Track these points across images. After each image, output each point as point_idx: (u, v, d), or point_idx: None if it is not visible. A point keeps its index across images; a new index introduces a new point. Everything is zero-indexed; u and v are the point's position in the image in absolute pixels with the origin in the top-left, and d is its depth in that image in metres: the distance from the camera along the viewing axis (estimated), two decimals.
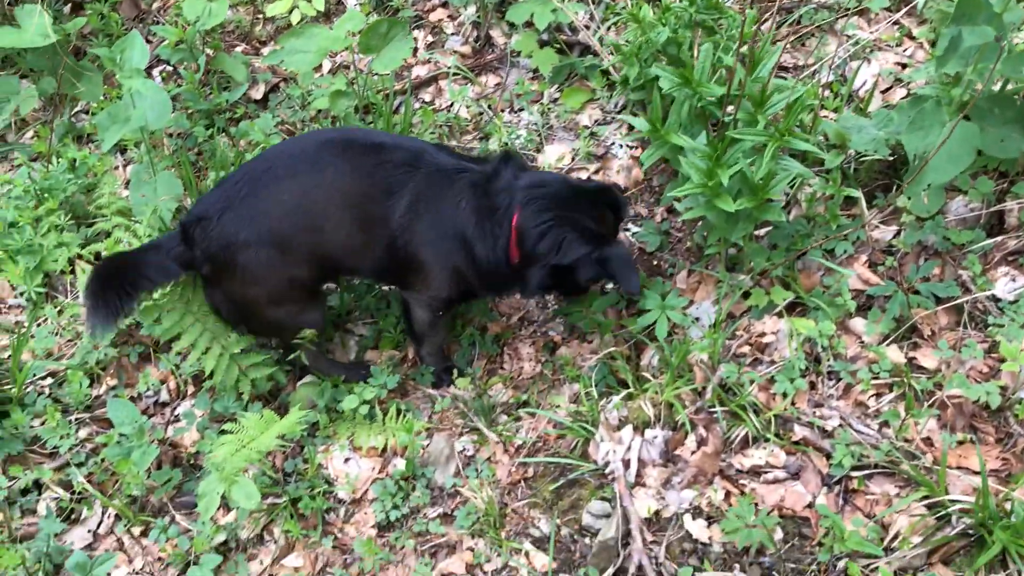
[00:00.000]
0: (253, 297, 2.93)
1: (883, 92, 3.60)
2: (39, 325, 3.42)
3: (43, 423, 3.18)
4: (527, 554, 2.76)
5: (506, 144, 3.80)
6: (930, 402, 2.77)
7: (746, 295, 3.09)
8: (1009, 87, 2.93)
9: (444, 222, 2.91)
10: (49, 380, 3.34)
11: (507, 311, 3.53)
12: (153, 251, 2.94)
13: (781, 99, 2.84)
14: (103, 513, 3.02)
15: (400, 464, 3.01)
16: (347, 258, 3.03)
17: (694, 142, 2.88)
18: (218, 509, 2.77)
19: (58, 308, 3.50)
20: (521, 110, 4.09)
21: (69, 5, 4.80)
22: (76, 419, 3.25)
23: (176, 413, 3.30)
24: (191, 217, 2.92)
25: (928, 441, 2.73)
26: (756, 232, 3.19)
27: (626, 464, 2.85)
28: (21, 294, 3.60)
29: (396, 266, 2.99)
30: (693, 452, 2.83)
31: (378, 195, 2.89)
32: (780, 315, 3.04)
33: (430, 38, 4.47)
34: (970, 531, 2.49)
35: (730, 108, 2.85)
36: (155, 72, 4.57)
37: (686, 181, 2.88)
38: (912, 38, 3.81)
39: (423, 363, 3.31)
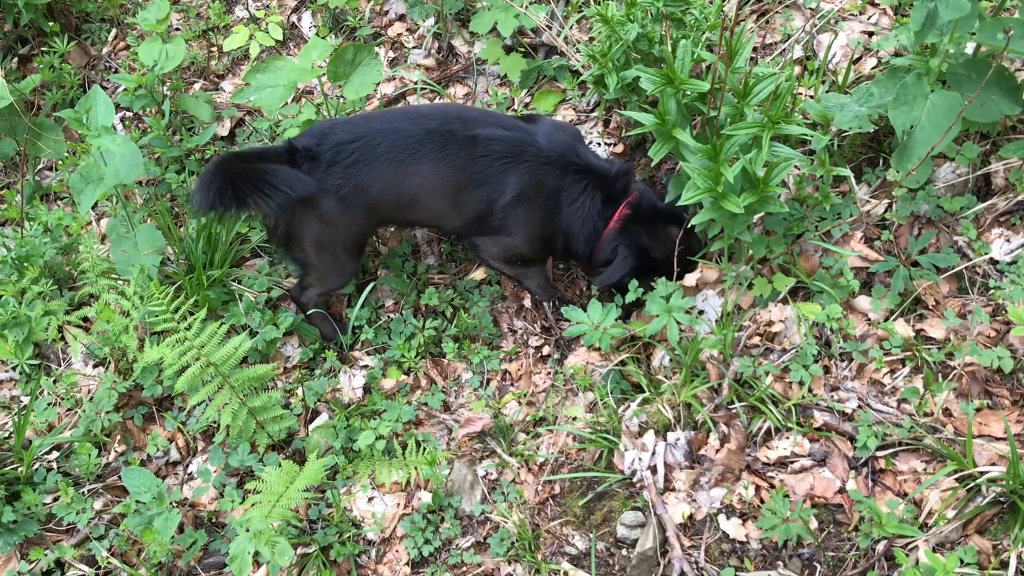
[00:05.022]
0: (322, 234, 3.21)
1: (854, 63, 3.60)
2: (37, 398, 3.33)
3: (56, 499, 3.10)
4: (566, 574, 2.75)
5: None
6: (944, 372, 2.80)
7: (749, 285, 3.09)
8: (983, 50, 2.95)
9: (553, 212, 3.22)
10: (55, 454, 3.26)
11: (512, 326, 3.50)
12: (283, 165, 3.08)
13: (764, 88, 2.83)
14: None
15: (425, 497, 2.98)
16: (432, 219, 3.39)
17: (694, 141, 2.86)
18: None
19: (53, 378, 3.41)
20: None
21: (16, 59, 4.66)
22: (89, 490, 3.17)
23: (189, 471, 3.24)
24: (302, 145, 3.11)
25: (947, 412, 2.75)
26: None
27: (653, 470, 2.85)
28: (13, 368, 3.51)
29: (485, 230, 3.29)
30: (717, 450, 2.84)
31: (476, 183, 3.15)
32: (785, 301, 3.05)
33: (392, 54, 4.39)
34: (1001, 499, 2.52)
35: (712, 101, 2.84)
36: (115, 118, 4.45)
37: (687, 179, 2.86)
38: (875, 4, 3.82)
39: (534, 296, 3.58)
